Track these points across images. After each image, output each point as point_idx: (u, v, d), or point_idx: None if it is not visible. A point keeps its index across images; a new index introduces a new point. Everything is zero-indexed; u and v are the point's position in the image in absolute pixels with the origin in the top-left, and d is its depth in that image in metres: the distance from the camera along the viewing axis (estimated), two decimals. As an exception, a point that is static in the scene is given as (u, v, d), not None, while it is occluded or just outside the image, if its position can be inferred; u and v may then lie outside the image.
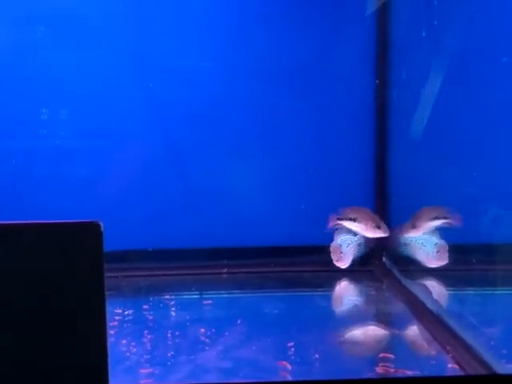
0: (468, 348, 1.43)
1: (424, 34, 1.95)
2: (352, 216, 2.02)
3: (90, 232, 1.05)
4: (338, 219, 2.03)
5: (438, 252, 1.91)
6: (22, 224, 1.08)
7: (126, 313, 1.77)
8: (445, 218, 1.88)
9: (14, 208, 2.03)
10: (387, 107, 2.21)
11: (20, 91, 2.10)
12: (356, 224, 2.01)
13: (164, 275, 2.13)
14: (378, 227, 1.99)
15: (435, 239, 1.93)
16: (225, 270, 2.13)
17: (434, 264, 1.92)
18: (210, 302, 1.90)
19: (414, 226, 1.95)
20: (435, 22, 1.89)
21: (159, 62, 2.15)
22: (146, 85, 2.16)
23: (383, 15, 2.18)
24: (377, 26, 2.19)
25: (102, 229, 1.06)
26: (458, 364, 1.38)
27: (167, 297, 1.92)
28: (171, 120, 2.18)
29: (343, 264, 2.06)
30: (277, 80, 2.18)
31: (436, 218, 1.90)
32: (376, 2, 2.19)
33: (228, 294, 2.02)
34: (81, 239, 1.05)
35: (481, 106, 1.63)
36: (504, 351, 1.37)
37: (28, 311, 1.06)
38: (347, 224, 2.02)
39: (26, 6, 2.06)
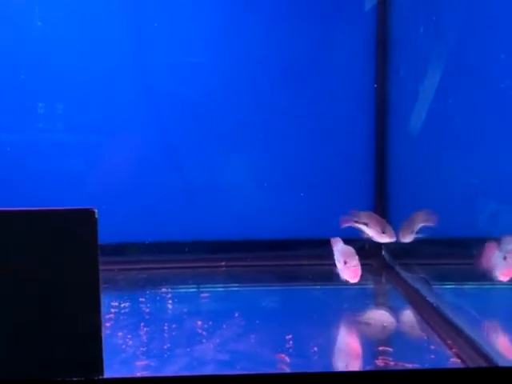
0: (469, 341, 1.42)
1: (422, 30, 1.95)
2: (365, 220, 1.99)
3: (85, 219, 1.04)
4: (356, 222, 1.99)
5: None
6: (18, 210, 1.06)
7: (122, 305, 1.76)
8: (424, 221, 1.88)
9: (10, 200, 2.00)
10: (387, 103, 2.20)
11: (17, 85, 2.09)
12: (367, 228, 1.98)
13: (161, 268, 2.11)
14: (383, 232, 1.94)
15: None
16: (222, 264, 2.12)
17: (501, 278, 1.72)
18: (207, 295, 1.89)
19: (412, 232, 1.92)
20: (434, 18, 1.89)
21: (156, 57, 2.15)
22: (142, 79, 2.15)
23: (382, 11, 2.17)
24: (376, 21, 2.18)
25: (97, 215, 1.05)
26: (459, 357, 1.37)
27: (164, 290, 1.90)
28: (168, 114, 2.17)
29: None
30: (275, 75, 2.17)
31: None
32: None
33: (225, 287, 2.01)
34: (76, 225, 1.04)
35: (479, 102, 1.63)
36: (505, 344, 1.36)
37: (23, 297, 1.05)
38: (362, 227, 1.99)
39: (22, 1, 2.05)
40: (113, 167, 2.15)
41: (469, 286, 1.87)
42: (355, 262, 1.79)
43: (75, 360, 1.07)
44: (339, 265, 1.83)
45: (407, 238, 1.92)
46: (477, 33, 1.66)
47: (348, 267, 1.79)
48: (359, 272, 1.79)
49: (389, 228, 1.95)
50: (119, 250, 2.09)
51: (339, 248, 1.88)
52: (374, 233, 1.96)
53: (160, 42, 2.14)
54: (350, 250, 1.83)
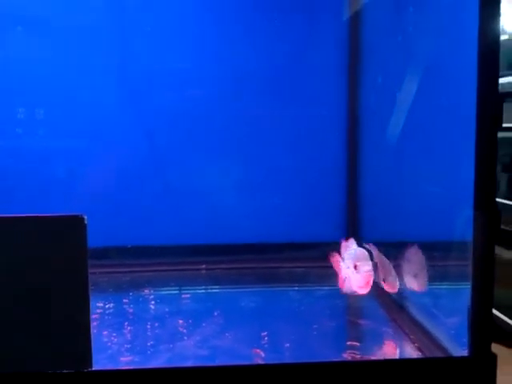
0: (429, 335, 1.53)
1: (396, 38, 2.03)
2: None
3: (74, 224, 1.12)
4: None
5: None
6: (8, 217, 1.14)
7: (106, 306, 1.82)
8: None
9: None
10: (360, 112, 2.28)
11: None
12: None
13: (143, 271, 2.17)
14: (384, 280, 1.68)
15: None
16: (203, 266, 2.19)
17: None
18: (188, 296, 1.96)
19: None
20: (408, 27, 1.97)
21: (140, 64, 2.18)
22: (127, 85, 2.18)
23: (357, 21, 2.26)
24: (351, 31, 2.26)
25: (86, 221, 1.14)
26: (420, 350, 1.48)
27: (147, 292, 1.97)
28: (151, 119, 2.22)
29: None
30: (254, 85, 2.24)
31: None
32: (351, 6, 2.26)
33: (206, 289, 2.07)
34: (66, 231, 1.12)
35: (454, 111, 1.70)
36: (463, 339, 1.46)
37: (16, 297, 1.13)
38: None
39: (2, 5, 2.05)
40: (95, 172, 2.18)
41: (434, 287, 1.97)
42: (368, 267, 1.51)
43: (66, 354, 1.16)
44: (347, 271, 1.55)
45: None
46: (453, 42, 1.73)
47: (359, 272, 1.51)
48: (371, 281, 1.50)
49: (392, 277, 1.64)
50: (102, 254, 2.13)
51: (352, 251, 1.60)
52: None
53: (145, 49, 2.17)
54: (364, 253, 1.55)
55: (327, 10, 2.26)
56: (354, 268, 1.54)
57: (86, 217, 1.13)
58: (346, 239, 1.68)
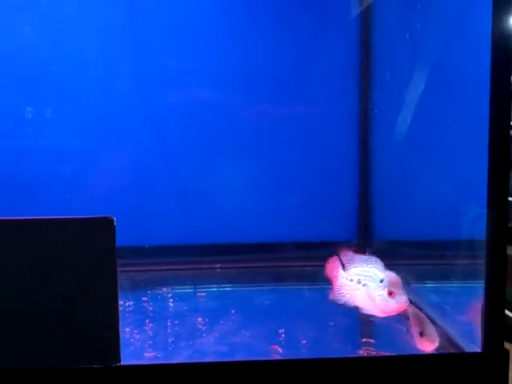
0: (442, 332, 1.57)
1: (408, 36, 2.05)
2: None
3: (104, 226, 1.18)
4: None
5: None
6: (38, 219, 1.20)
7: (127, 304, 1.87)
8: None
9: (4, 206, 2.03)
10: (372, 111, 2.30)
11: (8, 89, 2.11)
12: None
13: (160, 270, 2.21)
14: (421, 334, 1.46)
15: None
16: (218, 265, 2.22)
17: None
18: (204, 294, 2.01)
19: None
20: (418, 25, 1.98)
21: (151, 62, 2.19)
22: (138, 84, 2.20)
23: (367, 18, 2.27)
24: (361, 28, 2.28)
25: (115, 223, 1.19)
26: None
27: (164, 290, 2.02)
28: (164, 119, 2.23)
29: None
30: (265, 84, 2.26)
31: None
32: (360, 4, 2.28)
33: (221, 287, 2.11)
34: (96, 232, 1.18)
35: (462, 109, 1.73)
36: (472, 333, 1.50)
37: (48, 295, 1.18)
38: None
39: (10, 2, 2.06)
40: (111, 173, 2.19)
41: (445, 285, 2.01)
42: (405, 296, 1.36)
43: (95, 349, 1.21)
44: (351, 285, 1.42)
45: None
46: (461, 40, 1.75)
47: (395, 299, 1.36)
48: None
49: (430, 328, 1.46)
50: (120, 254, 2.16)
51: (372, 271, 1.40)
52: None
53: (156, 47, 2.18)
54: (400, 280, 1.39)
55: (338, 7, 2.27)
56: (388, 295, 1.37)
57: (114, 218, 1.18)
58: (355, 251, 1.50)
